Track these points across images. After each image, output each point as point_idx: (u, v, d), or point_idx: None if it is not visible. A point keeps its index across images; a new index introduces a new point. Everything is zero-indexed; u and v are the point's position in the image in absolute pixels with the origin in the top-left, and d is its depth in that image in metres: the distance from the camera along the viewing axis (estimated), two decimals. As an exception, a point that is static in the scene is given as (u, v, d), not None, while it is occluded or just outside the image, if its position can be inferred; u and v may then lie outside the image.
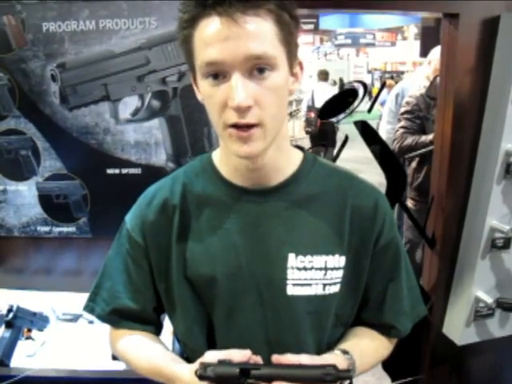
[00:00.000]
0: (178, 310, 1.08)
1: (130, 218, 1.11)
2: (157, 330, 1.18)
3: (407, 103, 3.13)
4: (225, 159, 1.06)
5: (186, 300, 1.06)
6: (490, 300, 1.92)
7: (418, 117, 3.03)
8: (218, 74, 0.86)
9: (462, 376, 2.29)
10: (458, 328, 2.05)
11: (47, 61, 2.03)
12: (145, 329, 1.14)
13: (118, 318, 1.12)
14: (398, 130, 3.09)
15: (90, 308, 1.14)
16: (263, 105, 0.87)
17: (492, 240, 1.89)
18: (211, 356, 0.91)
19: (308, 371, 0.86)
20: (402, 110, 3.16)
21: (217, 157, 1.08)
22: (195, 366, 0.90)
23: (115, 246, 1.13)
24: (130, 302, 1.10)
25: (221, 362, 0.87)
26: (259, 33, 0.83)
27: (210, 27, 0.84)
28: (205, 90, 0.90)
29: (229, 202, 1.04)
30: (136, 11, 1.97)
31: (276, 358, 0.91)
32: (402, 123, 3.09)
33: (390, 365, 2.22)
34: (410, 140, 2.97)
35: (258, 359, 0.92)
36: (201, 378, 0.85)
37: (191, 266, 1.04)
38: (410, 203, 3.33)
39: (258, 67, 0.85)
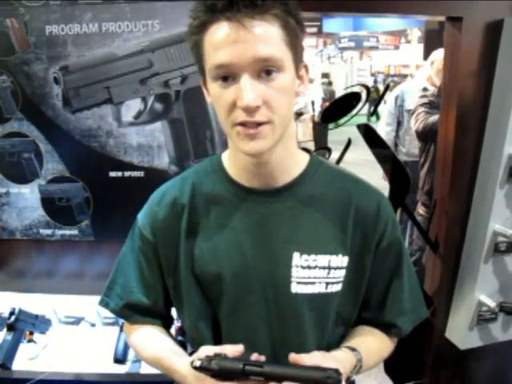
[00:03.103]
0: (185, 305, 1.11)
1: (141, 216, 1.15)
2: (167, 323, 1.23)
3: (424, 96, 3.17)
4: (233, 160, 1.09)
5: (193, 296, 1.09)
6: (492, 304, 1.91)
7: (433, 107, 3.06)
8: (228, 76, 0.89)
9: (464, 380, 2.28)
10: (460, 332, 2.04)
11: (50, 63, 2.03)
12: (155, 322, 1.18)
13: (130, 312, 1.16)
14: (419, 113, 3.11)
15: (104, 303, 1.18)
16: (271, 105, 0.90)
17: (495, 244, 1.89)
18: (207, 350, 0.93)
19: (309, 372, 0.87)
20: (420, 102, 3.18)
21: (226, 158, 1.12)
22: (193, 358, 0.93)
23: (128, 243, 1.18)
24: (142, 297, 1.14)
25: (217, 355, 0.90)
26: (266, 36, 0.86)
27: (220, 32, 0.87)
28: (214, 92, 0.93)
29: (236, 202, 1.07)
30: (139, 14, 1.97)
31: (292, 358, 0.92)
32: (422, 108, 3.11)
33: (392, 368, 2.22)
34: (436, 117, 2.97)
35: (261, 358, 0.94)
36: (203, 369, 0.88)
37: (199, 263, 1.07)
38: (421, 209, 3.33)
39: (265, 69, 0.88)
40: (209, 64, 0.91)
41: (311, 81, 10.26)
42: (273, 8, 0.86)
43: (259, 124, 0.90)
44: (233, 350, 0.92)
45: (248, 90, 0.87)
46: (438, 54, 3.79)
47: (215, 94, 0.93)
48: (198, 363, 0.89)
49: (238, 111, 0.90)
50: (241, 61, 0.86)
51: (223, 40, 0.86)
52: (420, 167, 3.40)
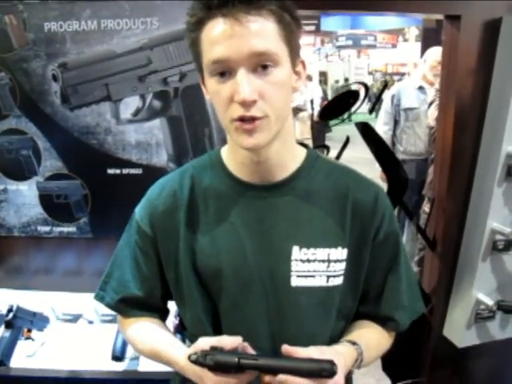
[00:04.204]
0: (186, 299, 1.11)
1: (139, 210, 1.15)
2: (163, 316, 1.23)
3: None
4: (232, 155, 1.09)
5: (194, 290, 1.09)
6: (490, 302, 1.91)
7: None
8: (225, 71, 0.90)
9: (462, 378, 2.28)
10: (458, 330, 2.05)
11: (48, 60, 2.03)
12: (151, 315, 1.18)
13: (125, 306, 1.17)
14: None
15: (99, 297, 1.18)
16: (267, 99, 0.91)
17: (493, 242, 1.89)
18: (204, 342, 0.94)
19: (304, 364, 0.88)
20: (439, 94, 3.16)
21: (225, 153, 1.12)
22: (190, 351, 0.94)
23: (125, 237, 1.18)
24: (137, 291, 1.14)
25: (213, 349, 0.91)
26: (262, 31, 0.88)
27: (216, 28, 0.88)
28: (212, 88, 0.94)
29: (235, 196, 1.08)
30: (138, 11, 1.96)
31: (285, 349, 0.93)
32: None
33: (389, 366, 2.22)
34: None
35: (249, 349, 0.95)
36: (199, 364, 0.89)
37: (199, 257, 1.07)
38: (426, 207, 3.34)
39: (261, 64, 0.89)
40: (206, 60, 0.92)
41: (310, 78, 10.29)
42: (268, 4, 0.88)
43: (255, 119, 0.91)
44: (231, 341, 0.93)
45: (244, 84, 0.88)
46: (431, 52, 3.81)
47: (213, 90, 0.94)
48: (193, 357, 0.90)
49: (235, 106, 0.91)
50: (237, 55, 0.87)
51: (219, 36, 0.87)
52: (430, 163, 3.40)
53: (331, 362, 0.87)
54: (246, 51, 0.87)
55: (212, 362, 0.88)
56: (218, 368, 0.89)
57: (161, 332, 1.14)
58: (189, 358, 0.91)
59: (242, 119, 0.91)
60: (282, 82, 0.93)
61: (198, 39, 0.92)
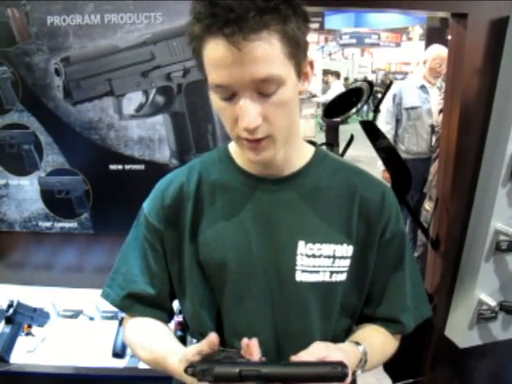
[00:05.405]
0: (187, 292, 1.11)
1: (147, 204, 1.15)
2: (168, 316, 1.20)
3: None
4: (240, 150, 1.07)
5: (196, 283, 1.09)
6: (493, 303, 1.91)
7: None
8: (228, 94, 0.88)
9: (463, 379, 2.28)
10: (460, 330, 2.04)
11: (51, 55, 2.02)
12: (157, 314, 1.16)
13: (131, 302, 1.14)
14: None
15: (105, 294, 1.17)
16: (271, 120, 0.90)
17: (496, 243, 1.88)
18: (190, 353, 0.89)
19: (312, 369, 0.82)
20: None
21: (233, 147, 1.12)
22: (183, 362, 0.89)
23: (133, 232, 1.17)
24: (146, 287, 1.12)
25: (209, 357, 0.86)
26: (263, 56, 0.83)
27: (216, 51, 0.84)
28: (216, 103, 0.93)
29: (242, 190, 1.08)
30: (142, 6, 1.95)
31: (293, 360, 0.88)
32: None
33: (390, 366, 2.21)
34: None
35: (256, 347, 0.89)
36: (198, 380, 0.84)
37: (204, 250, 1.07)
38: (427, 205, 3.33)
39: (265, 88, 0.87)
40: (209, 78, 0.89)
41: (338, 75, 10.20)
42: (269, 21, 0.82)
43: (260, 139, 0.91)
44: (208, 343, 0.88)
45: (247, 111, 0.87)
46: (430, 53, 3.80)
47: (217, 105, 0.93)
48: (190, 371, 0.84)
49: (240, 127, 0.90)
50: (239, 83, 0.85)
51: (220, 61, 0.84)
52: (432, 161, 3.40)
53: (341, 364, 0.80)
54: (247, 79, 0.84)
55: (211, 377, 0.81)
56: (220, 381, 0.82)
57: (162, 337, 1.11)
58: (185, 371, 0.86)
59: (247, 139, 0.91)
60: (287, 100, 0.91)
61: (200, 51, 0.88)
